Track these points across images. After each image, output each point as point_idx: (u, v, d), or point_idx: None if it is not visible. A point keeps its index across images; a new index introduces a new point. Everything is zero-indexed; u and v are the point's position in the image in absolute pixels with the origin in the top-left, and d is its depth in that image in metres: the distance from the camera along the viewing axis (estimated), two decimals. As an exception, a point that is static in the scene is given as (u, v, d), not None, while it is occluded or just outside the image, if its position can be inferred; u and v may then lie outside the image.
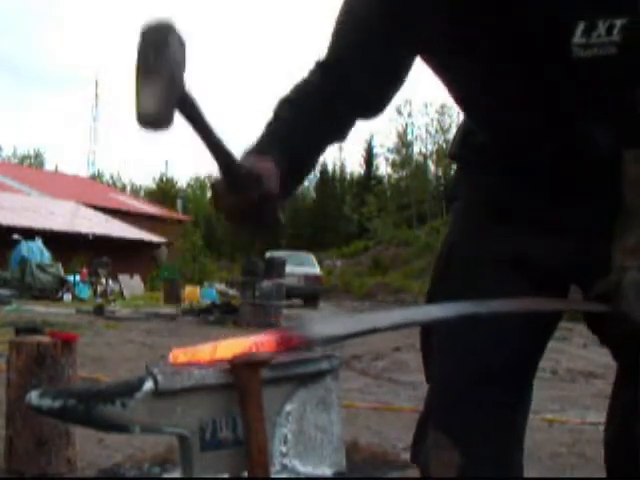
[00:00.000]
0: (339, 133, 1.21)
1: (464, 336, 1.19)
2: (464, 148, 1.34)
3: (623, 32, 1.01)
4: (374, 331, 0.96)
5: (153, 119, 0.83)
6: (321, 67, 1.19)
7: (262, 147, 1.09)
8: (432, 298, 1.30)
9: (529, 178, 1.21)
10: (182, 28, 0.86)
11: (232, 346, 0.89)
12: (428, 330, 1.30)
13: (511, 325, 1.17)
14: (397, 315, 1.00)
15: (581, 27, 1.02)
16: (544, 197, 1.21)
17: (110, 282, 17.90)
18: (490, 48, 1.09)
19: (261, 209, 1.03)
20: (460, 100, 1.25)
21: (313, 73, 1.20)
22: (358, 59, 1.17)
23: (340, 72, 1.17)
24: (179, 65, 0.85)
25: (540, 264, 1.20)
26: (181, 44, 0.85)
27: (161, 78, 0.83)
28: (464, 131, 1.34)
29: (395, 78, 1.21)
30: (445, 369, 1.25)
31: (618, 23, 1.01)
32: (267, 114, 1.16)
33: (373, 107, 1.23)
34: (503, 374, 1.21)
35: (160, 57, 0.83)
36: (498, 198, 1.26)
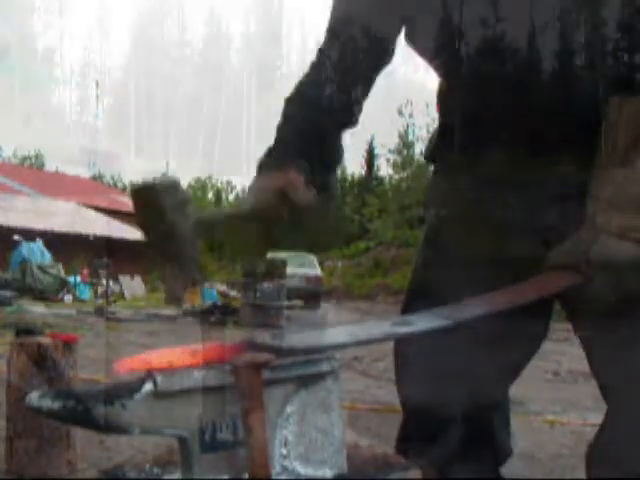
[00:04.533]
0: (348, 117, 1.21)
1: (439, 352, 1.15)
2: (441, 147, 1.32)
3: None
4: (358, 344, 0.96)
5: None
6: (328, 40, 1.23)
7: (279, 159, 1.09)
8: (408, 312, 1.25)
9: (507, 177, 1.18)
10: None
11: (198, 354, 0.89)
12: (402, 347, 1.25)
13: (488, 335, 1.09)
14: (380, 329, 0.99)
15: None
16: (523, 199, 1.17)
17: (111, 283, 17.89)
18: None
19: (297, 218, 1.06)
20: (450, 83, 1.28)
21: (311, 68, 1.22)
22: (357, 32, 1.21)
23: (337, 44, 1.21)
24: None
25: (523, 270, 1.13)
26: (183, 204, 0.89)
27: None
28: (441, 131, 1.33)
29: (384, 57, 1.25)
30: (422, 390, 1.21)
31: None
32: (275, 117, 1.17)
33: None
34: (485, 392, 1.19)
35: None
36: (475, 201, 1.22)
